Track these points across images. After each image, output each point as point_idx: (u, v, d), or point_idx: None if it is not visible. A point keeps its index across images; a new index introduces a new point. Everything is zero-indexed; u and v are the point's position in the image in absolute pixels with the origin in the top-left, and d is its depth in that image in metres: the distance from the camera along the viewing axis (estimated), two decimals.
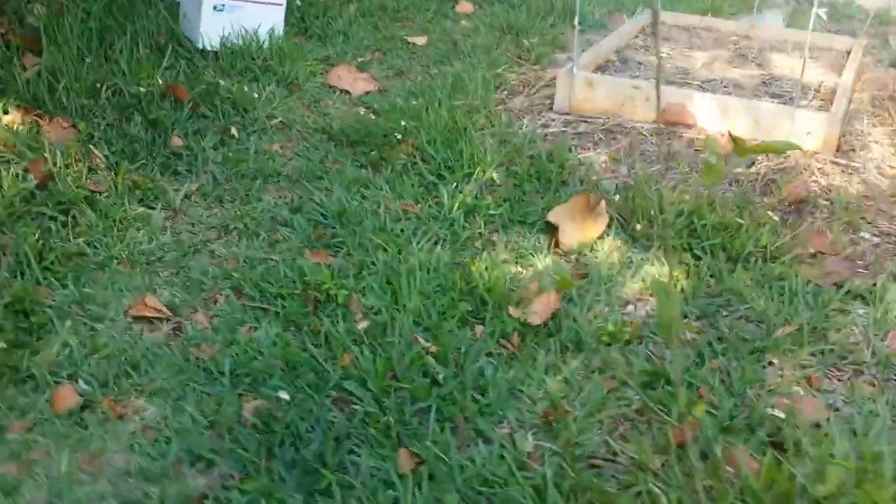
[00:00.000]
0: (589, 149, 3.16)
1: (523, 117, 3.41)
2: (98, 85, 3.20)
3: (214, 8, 3.67)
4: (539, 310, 2.17)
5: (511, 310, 2.20)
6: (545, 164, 2.95)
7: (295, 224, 2.68)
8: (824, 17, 4.79)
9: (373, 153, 3.07)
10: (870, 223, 2.78)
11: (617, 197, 2.73)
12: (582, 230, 2.59)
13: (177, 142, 3.02)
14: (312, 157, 3.09)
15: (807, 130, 3.05)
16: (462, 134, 3.12)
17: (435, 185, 2.89)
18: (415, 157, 3.04)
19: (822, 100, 3.42)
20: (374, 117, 3.35)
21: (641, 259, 2.52)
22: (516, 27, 4.53)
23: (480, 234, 2.64)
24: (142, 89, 3.18)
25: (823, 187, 2.93)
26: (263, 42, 3.75)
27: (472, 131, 3.17)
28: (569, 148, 3.08)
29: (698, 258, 2.49)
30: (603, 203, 2.63)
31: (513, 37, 4.44)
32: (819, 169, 3.00)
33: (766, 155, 3.07)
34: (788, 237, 2.58)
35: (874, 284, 2.41)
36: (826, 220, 2.77)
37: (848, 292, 2.38)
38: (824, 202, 2.84)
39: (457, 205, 2.72)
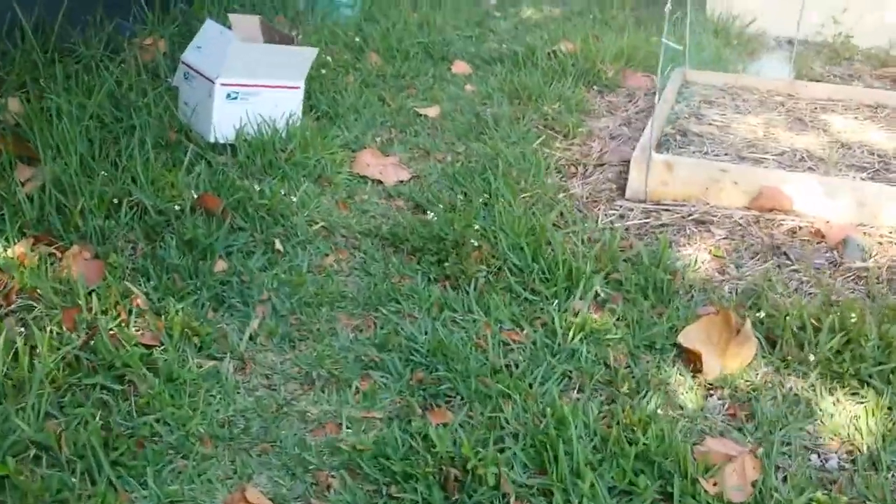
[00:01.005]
0: (684, 244, 2.83)
1: (594, 208, 3.07)
2: (115, 200, 2.74)
3: (228, 96, 3.23)
4: (737, 481, 1.81)
5: (704, 483, 1.83)
6: (651, 271, 2.61)
7: (388, 366, 2.27)
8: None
9: (446, 264, 2.68)
10: None
11: (760, 314, 2.39)
12: (726, 356, 2.26)
13: (221, 265, 2.58)
14: (374, 271, 2.69)
15: None
16: (543, 235, 2.76)
17: (530, 301, 2.52)
18: (495, 266, 2.66)
19: None
20: (427, 215, 2.96)
21: (806, 391, 2.18)
22: (530, 91, 4.20)
23: (608, 365, 2.27)
24: (169, 204, 2.73)
25: None
26: (281, 131, 3.33)
27: (553, 231, 2.81)
28: (670, 247, 2.75)
29: (874, 387, 2.17)
30: (748, 323, 2.30)
31: (532, 103, 4.11)
32: None
33: (880, 243, 2.79)
34: None
35: None
36: None
37: None
38: None
39: (572, 330, 2.35)
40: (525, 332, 2.39)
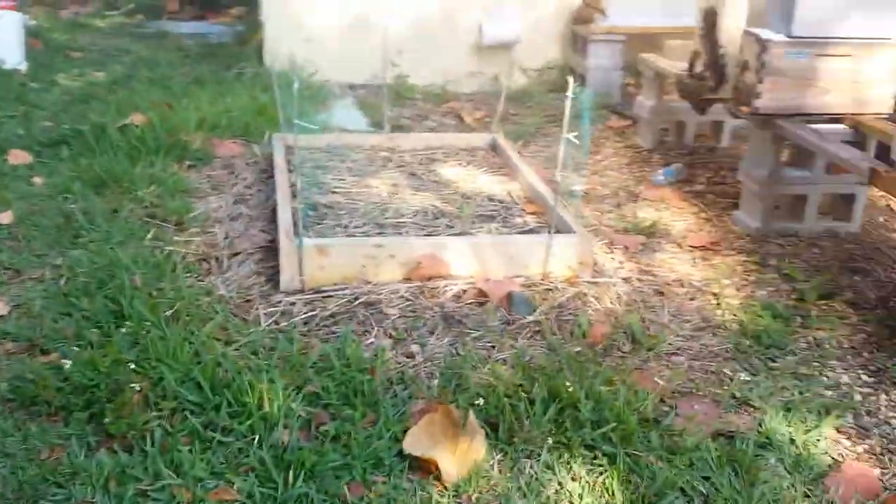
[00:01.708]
0: (361, 332, 2.63)
1: (250, 308, 2.74)
2: None
3: None
4: None
5: None
6: (345, 374, 2.37)
7: None
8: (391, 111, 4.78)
9: (105, 421, 2.18)
10: (670, 345, 2.72)
11: (477, 400, 2.27)
12: (458, 454, 2.10)
13: None
14: (11, 448, 2.12)
15: (559, 255, 2.91)
16: (213, 358, 2.38)
17: (227, 445, 2.14)
18: (168, 409, 2.23)
19: (532, 213, 3.32)
20: (53, 357, 2.41)
21: (544, 472, 2.11)
22: (116, 176, 3.72)
23: (345, 502, 1.99)
24: None
25: (609, 311, 2.82)
26: None
27: (221, 349, 2.44)
28: (353, 340, 2.53)
29: (605, 452, 2.16)
30: (471, 414, 2.17)
31: (122, 191, 3.62)
32: (593, 296, 2.89)
33: (538, 293, 2.86)
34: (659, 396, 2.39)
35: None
36: (634, 351, 2.65)
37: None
38: (621, 331, 2.73)
39: (291, 472, 2.03)
40: (236, 486, 2.01)
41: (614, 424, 2.19)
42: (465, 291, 2.83)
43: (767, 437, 2.26)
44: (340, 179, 3.54)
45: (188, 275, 2.94)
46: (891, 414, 2.44)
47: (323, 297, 2.78)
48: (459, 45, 5.74)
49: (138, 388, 2.25)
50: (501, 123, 4.34)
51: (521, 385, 2.32)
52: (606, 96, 5.41)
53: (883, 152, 3.60)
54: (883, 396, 2.53)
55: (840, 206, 3.64)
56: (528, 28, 5.72)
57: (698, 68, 3.94)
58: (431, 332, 2.64)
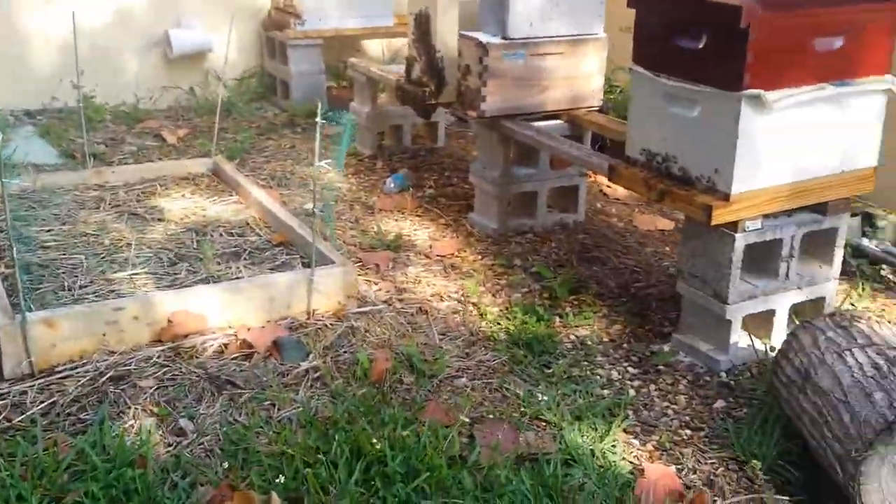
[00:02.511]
0: (118, 415, 2.28)
1: None
2: None
3: None
4: None
5: None
6: (112, 471, 2.03)
7: None
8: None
9: None
10: (450, 367, 2.65)
11: (280, 478, 2.03)
12: None
13: None
14: None
15: (322, 289, 2.73)
16: None
17: None
18: None
19: (279, 244, 3.09)
20: None
21: None
22: None
23: None
24: None
25: (383, 342, 2.69)
26: None
27: None
28: (109, 427, 2.17)
29: None
30: (274, 496, 1.94)
31: None
32: (364, 328, 2.74)
33: (308, 333, 2.66)
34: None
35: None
36: (418, 381, 2.55)
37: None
38: (400, 362, 2.61)
39: None
40: None
41: (426, 475, 2.06)
42: (226, 345, 2.57)
43: (570, 454, 2.25)
44: (48, 230, 3.08)
45: None
46: (665, 403, 2.55)
47: (60, 378, 2.39)
48: (148, 58, 5.28)
49: None
50: (214, 143, 4.03)
51: (317, 447, 2.13)
52: (314, 102, 5.23)
53: (596, 143, 3.80)
54: (653, 386, 2.63)
55: (565, 198, 3.78)
56: (222, 36, 5.37)
57: (416, 73, 3.90)
58: (199, 400, 2.36)
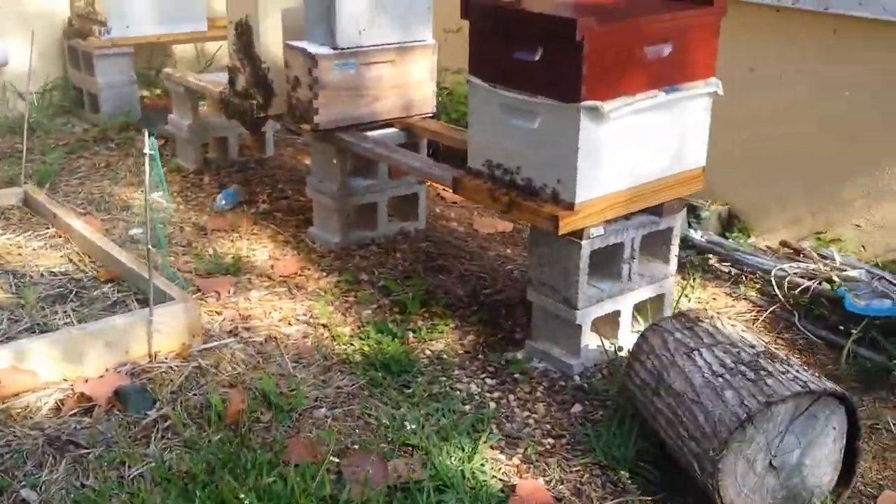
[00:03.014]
0: None
1: None
2: None
3: None
4: None
5: None
6: None
7: None
8: None
9: None
10: (307, 398, 2.57)
11: None
12: None
13: None
14: None
15: (163, 328, 2.57)
16: None
17: None
18: None
19: (108, 280, 2.88)
20: None
21: None
22: None
23: None
24: None
25: (234, 378, 2.56)
26: None
27: None
28: None
29: None
30: None
31: None
32: (212, 366, 2.59)
33: (161, 387, 2.49)
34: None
35: None
36: (276, 418, 2.45)
37: None
38: (255, 399, 2.50)
39: None
40: None
41: None
42: (63, 401, 2.37)
43: (441, 479, 2.23)
44: None
45: None
46: (525, 413, 2.57)
47: None
48: None
49: None
50: (22, 168, 3.71)
51: None
52: (127, 114, 4.95)
53: (432, 150, 3.80)
54: (512, 396, 2.65)
55: (405, 207, 3.75)
56: (19, 47, 4.95)
57: (241, 85, 3.75)
58: (40, 466, 2.16)
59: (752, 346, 2.25)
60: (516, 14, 2.61)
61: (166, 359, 2.60)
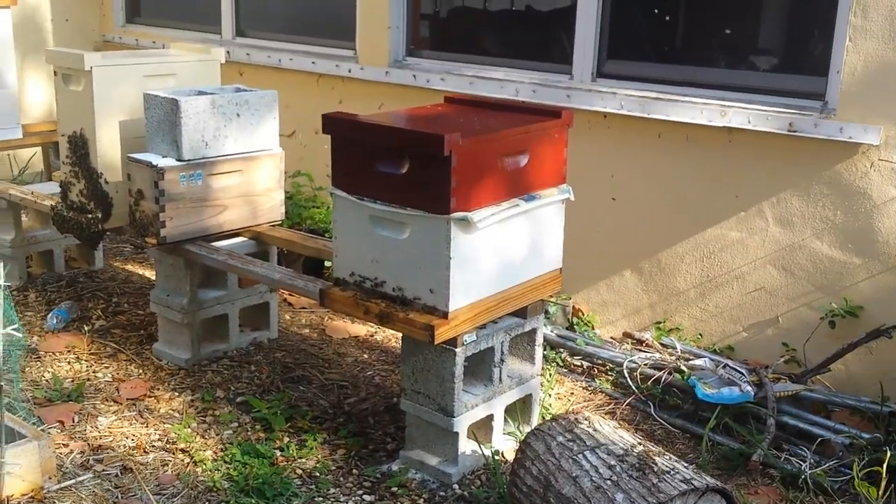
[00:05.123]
0: None
1: None
2: None
3: None
4: None
5: None
6: None
7: None
8: None
9: None
10: None
11: None
12: None
13: None
14: None
15: (14, 470, 2.34)
16: None
17: None
18: None
19: None
20: None
21: None
22: None
23: None
24: None
25: None
26: None
27: None
28: None
29: None
30: None
31: None
32: None
33: None
34: None
35: None
36: None
37: None
38: None
39: None
40: None
41: None
42: None
43: None
44: None
45: None
46: None
47: None
48: None
49: None
50: None
51: None
52: None
53: (283, 258, 3.73)
54: None
55: (256, 316, 3.64)
56: None
57: (76, 198, 3.55)
58: None
59: (633, 446, 2.32)
60: (378, 129, 2.65)
61: None
